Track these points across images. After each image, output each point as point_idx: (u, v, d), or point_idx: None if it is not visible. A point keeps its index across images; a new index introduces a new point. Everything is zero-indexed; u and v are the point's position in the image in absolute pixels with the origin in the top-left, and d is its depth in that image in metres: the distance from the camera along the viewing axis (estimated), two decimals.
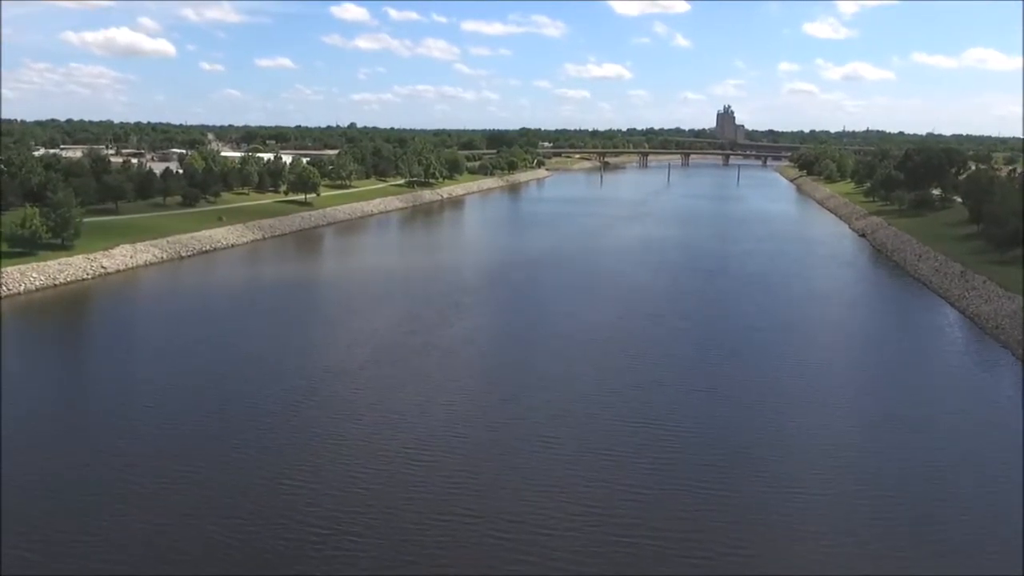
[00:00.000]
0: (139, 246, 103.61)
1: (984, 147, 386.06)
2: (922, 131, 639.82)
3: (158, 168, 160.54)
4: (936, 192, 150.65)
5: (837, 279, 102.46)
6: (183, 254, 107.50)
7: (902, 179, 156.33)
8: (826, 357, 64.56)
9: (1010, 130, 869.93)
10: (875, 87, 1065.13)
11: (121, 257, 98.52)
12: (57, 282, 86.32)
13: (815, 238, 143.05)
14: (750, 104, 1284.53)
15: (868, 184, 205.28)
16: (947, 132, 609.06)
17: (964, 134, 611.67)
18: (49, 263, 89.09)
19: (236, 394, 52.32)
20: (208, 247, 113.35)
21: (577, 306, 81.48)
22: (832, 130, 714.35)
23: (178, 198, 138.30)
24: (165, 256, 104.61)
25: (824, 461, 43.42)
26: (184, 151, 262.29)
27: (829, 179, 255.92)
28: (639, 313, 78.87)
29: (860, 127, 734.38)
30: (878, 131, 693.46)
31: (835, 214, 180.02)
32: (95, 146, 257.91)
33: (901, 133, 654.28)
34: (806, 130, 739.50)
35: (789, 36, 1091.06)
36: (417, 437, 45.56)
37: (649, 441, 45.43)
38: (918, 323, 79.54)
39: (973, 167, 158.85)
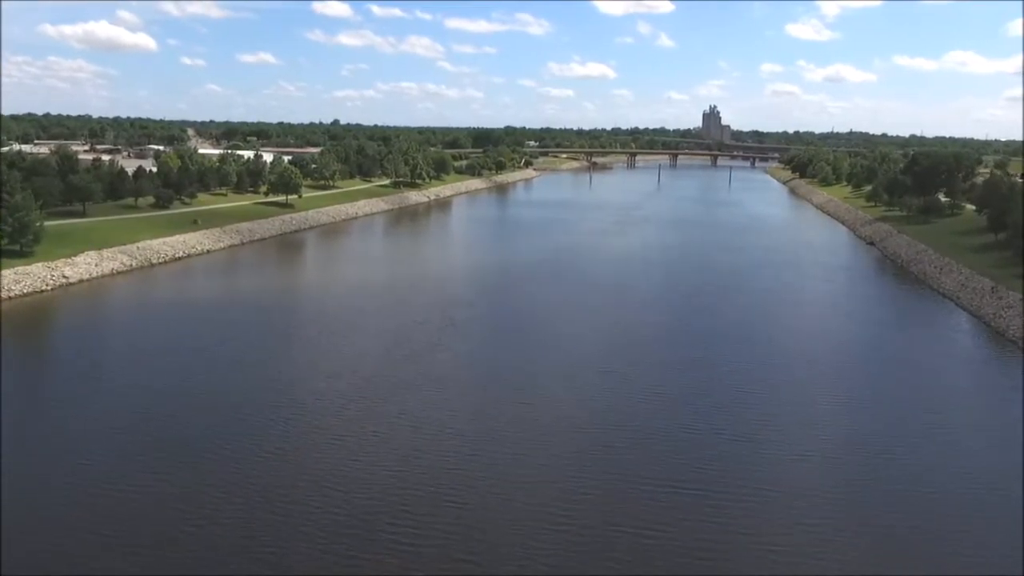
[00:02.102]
0: (106, 253, 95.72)
1: (968, 150, 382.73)
2: (905, 133, 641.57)
3: (133, 166, 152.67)
4: (945, 199, 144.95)
5: (857, 294, 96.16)
6: (154, 261, 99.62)
7: (908, 184, 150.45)
8: (873, 392, 57.60)
9: (991, 133, 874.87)
10: (857, 89, 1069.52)
11: (85, 265, 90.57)
12: (12, 294, 78.15)
13: (822, 246, 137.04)
14: (733, 105, 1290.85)
15: (868, 188, 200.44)
16: (929, 135, 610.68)
17: (948, 136, 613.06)
18: (4, 272, 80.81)
19: (190, 440, 44.93)
20: (182, 253, 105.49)
21: (582, 327, 74.31)
22: (815, 131, 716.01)
23: (151, 199, 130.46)
24: (134, 263, 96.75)
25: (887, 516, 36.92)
26: (162, 148, 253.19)
27: (824, 182, 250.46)
28: (652, 337, 71.98)
29: (842, 129, 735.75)
30: (862, 133, 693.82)
31: (837, 219, 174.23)
32: (65, 142, 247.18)
33: (885, 135, 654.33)
34: (789, 131, 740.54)
35: (772, 37, 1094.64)
36: (406, 505, 38.51)
37: (693, 527, 38.54)
38: (959, 347, 72.45)
39: (988, 173, 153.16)
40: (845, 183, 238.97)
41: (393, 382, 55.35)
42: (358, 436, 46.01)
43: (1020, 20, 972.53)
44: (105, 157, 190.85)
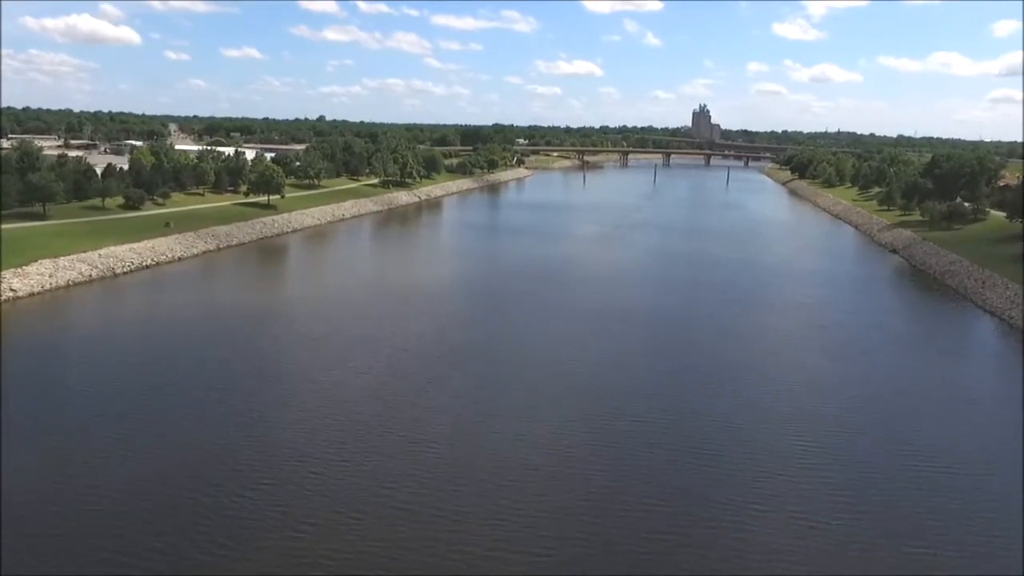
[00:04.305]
0: (62, 261, 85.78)
1: (962, 151, 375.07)
2: (890, 133, 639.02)
3: (109, 162, 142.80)
4: (967, 203, 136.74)
5: (897, 312, 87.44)
6: (118, 271, 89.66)
7: (930, 188, 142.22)
8: (972, 452, 48.62)
9: (975, 135, 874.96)
10: (842, 89, 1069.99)
11: (38, 276, 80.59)
12: None
13: (843, 255, 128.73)
14: (719, 104, 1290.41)
15: (877, 191, 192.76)
16: (912, 135, 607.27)
17: (935, 137, 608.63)
18: None
19: (124, 516, 35.69)
20: (150, 261, 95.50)
21: (600, 361, 64.70)
22: (802, 131, 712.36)
23: (121, 200, 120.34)
24: (95, 273, 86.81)
25: None
26: (142, 143, 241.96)
27: (827, 183, 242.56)
28: (682, 374, 62.75)
29: (827, 128, 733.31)
30: (849, 133, 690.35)
31: (850, 224, 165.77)
32: (31, 136, 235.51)
33: (872, 135, 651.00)
34: (774, 130, 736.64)
35: (758, 37, 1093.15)
36: None
37: None
38: None
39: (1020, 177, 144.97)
40: (850, 185, 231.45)
41: (380, 438, 46.03)
42: (334, 519, 36.80)
43: (1004, 22, 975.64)
44: (77, 153, 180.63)
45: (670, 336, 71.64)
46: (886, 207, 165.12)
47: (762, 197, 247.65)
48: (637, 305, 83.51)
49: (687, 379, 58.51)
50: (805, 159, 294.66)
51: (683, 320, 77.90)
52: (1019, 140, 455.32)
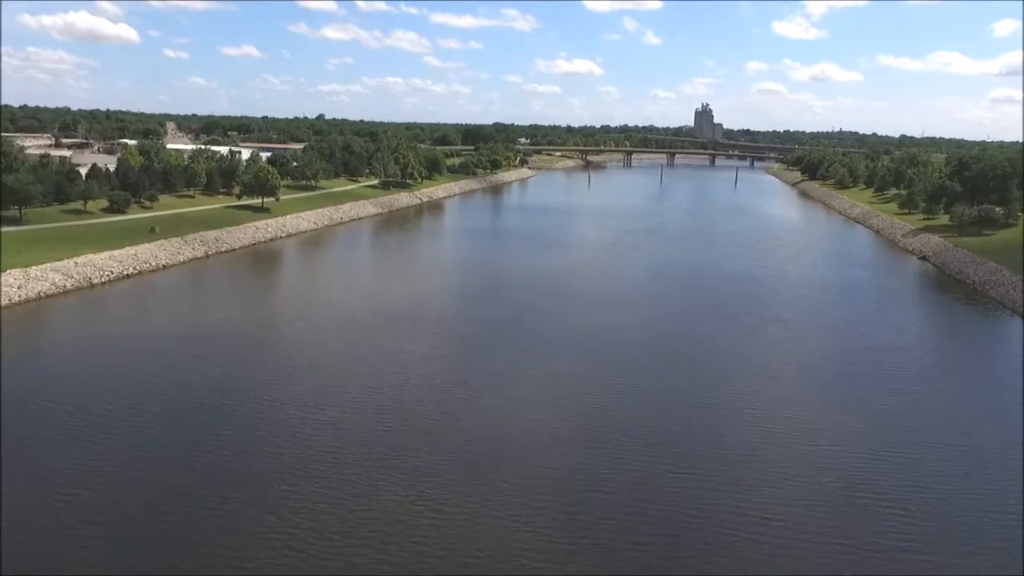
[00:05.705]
0: (34, 271, 78.84)
1: (967, 150, 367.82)
2: (889, 132, 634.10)
3: (100, 162, 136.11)
4: (998, 208, 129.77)
5: (952, 332, 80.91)
6: (95, 281, 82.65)
7: (958, 191, 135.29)
8: None
9: (975, 134, 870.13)
10: (841, 88, 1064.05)
11: (7, 288, 73.59)
12: None
13: (870, 262, 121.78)
14: (720, 103, 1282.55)
15: (894, 192, 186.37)
16: (920, 134, 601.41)
17: (939, 136, 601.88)
18: None
19: None
20: (131, 270, 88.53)
21: (637, 398, 58.25)
22: (801, 130, 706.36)
23: (105, 202, 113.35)
24: (70, 284, 79.83)
25: None
26: (136, 142, 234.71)
27: (840, 185, 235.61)
28: (734, 415, 56.09)
29: (825, 127, 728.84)
30: (852, 132, 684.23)
31: (868, 228, 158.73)
32: (18, 134, 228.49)
33: (875, 134, 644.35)
34: (777, 130, 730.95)
35: (758, 35, 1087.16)
36: None
37: None
38: None
39: None
40: (864, 186, 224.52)
41: (378, 497, 39.23)
42: None
43: (1005, 21, 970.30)
44: (65, 152, 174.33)
45: (710, 368, 64.59)
46: (907, 210, 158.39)
47: (774, 199, 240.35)
48: (662, 327, 76.48)
49: (741, 423, 51.71)
50: (816, 159, 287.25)
51: (722, 345, 69.90)
52: (1019, 140, 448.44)
